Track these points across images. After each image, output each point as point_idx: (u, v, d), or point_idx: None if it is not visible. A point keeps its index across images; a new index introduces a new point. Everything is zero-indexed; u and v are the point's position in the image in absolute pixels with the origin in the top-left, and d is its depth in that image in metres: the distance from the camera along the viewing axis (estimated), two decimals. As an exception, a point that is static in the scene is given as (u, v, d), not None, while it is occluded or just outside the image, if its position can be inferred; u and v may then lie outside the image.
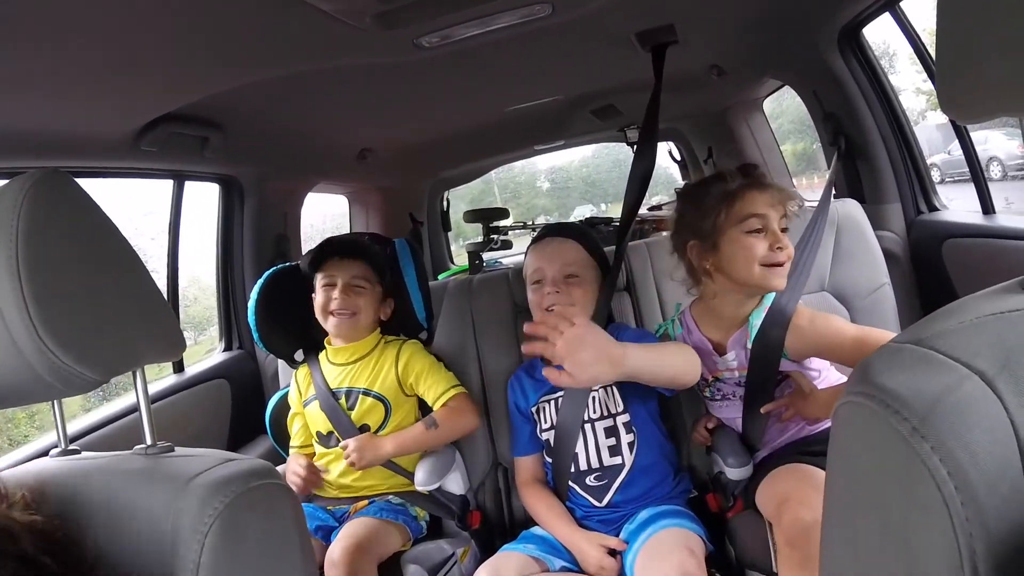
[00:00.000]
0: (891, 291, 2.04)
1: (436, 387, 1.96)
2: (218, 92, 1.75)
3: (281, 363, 2.36)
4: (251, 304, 2.06)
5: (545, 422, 1.87)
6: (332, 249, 2.02)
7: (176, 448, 1.03)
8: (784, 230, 1.62)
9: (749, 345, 1.68)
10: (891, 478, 0.57)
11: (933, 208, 2.49)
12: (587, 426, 1.81)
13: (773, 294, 1.67)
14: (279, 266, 2.21)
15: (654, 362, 1.57)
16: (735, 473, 1.69)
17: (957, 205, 2.49)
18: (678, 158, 4.83)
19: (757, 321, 1.67)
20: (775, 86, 3.53)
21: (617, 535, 1.72)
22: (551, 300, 1.82)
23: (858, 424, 0.62)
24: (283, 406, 2.17)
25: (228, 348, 2.82)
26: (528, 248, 2.00)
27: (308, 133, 2.51)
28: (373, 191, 4.15)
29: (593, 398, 1.82)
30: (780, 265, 1.60)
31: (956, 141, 2.34)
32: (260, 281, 2.10)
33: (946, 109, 0.68)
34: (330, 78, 1.88)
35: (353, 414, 1.95)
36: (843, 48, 2.44)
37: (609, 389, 1.83)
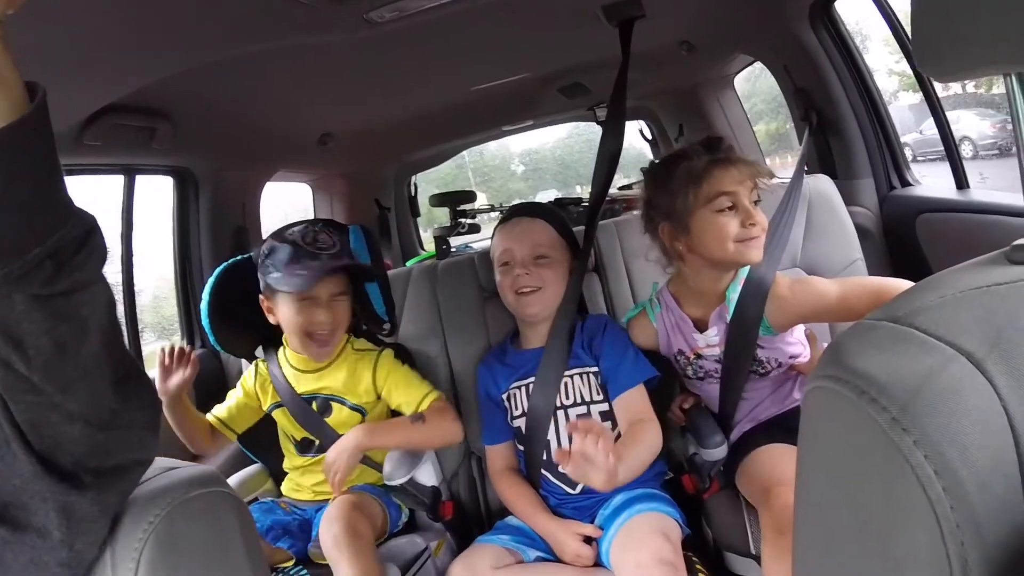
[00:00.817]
0: (864, 267, 2.02)
1: (412, 397, 1.86)
2: (163, 78, 1.67)
3: (246, 362, 2.29)
4: (203, 304, 1.97)
5: (516, 409, 1.83)
6: None
7: None
8: (756, 202, 1.59)
9: (728, 317, 1.66)
10: (869, 475, 0.51)
11: (906, 183, 2.47)
12: (560, 413, 1.78)
13: (748, 267, 1.64)
14: (231, 260, 2.11)
15: (635, 469, 1.59)
16: (710, 454, 1.66)
17: (928, 182, 2.48)
18: (649, 137, 4.80)
19: (734, 295, 1.65)
20: (746, 62, 3.50)
21: (592, 521, 1.70)
22: (522, 282, 1.79)
23: (830, 412, 0.56)
24: None
25: (190, 346, 2.71)
26: (495, 229, 1.96)
27: (263, 119, 2.43)
28: (336, 177, 4.07)
29: (566, 384, 1.78)
30: (754, 239, 1.56)
31: (927, 120, 2.33)
32: (211, 278, 2.00)
33: (922, 66, 0.63)
34: (283, 60, 1.81)
35: (328, 421, 1.89)
36: (814, 22, 2.42)
37: (586, 376, 1.80)
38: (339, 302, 1.85)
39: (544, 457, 1.77)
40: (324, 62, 1.94)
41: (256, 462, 2.14)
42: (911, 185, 2.47)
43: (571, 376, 1.79)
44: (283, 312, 1.83)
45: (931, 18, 0.59)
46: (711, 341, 1.70)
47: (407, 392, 1.87)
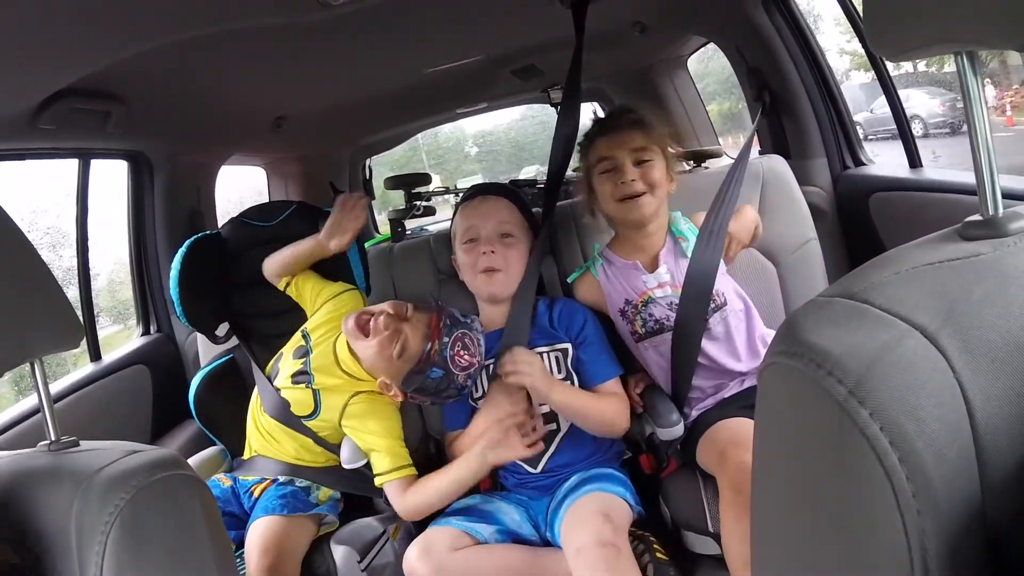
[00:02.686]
0: (818, 246, 2.03)
1: (381, 464, 1.82)
2: (118, 61, 1.63)
3: (202, 344, 2.30)
4: (173, 274, 1.98)
5: (478, 391, 1.83)
6: None
7: (82, 442, 0.98)
8: (644, 161, 1.75)
9: (689, 254, 1.76)
10: (825, 449, 0.52)
11: (859, 163, 2.50)
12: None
13: (679, 214, 1.87)
14: (200, 235, 2.13)
15: (579, 405, 1.71)
16: (666, 433, 1.67)
17: (881, 161, 2.52)
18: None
19: (684, 227, 1.84)
20: (699, 43, 3.52)
21: (551, 501, 1.70)
22: (487, 261, 1.80)
23: (786, 387, 0.56)
24: (208, 386, 2.10)
25: (146, 332, 2.70)
26: (458, 206, 1.97)
27: (218, 102, 2.39)
28: (291, 161, 4.03)
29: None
30: (634, 197, 1.74)
31: (878, 99, 2.36)
32: (182, 249, 2.02)
33: (874, 47, 0.63)
34: (237, 43, 1.77)
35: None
36: (767, 3, 2.43)
37: (554, 355, 1.81)
38: None
39: None
40: (278, 45, 1.91)
41: (214, 443, 2.12)
42: (864, 164, 2.50)
43: (539, 354, 1.79)
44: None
45: None
46: (663, 279, 1.77)
47: (381, 449, 1.84)
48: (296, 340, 1.98)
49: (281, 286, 2.01)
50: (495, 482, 1.87)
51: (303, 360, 1.90)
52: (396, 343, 1.70)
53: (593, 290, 1.87)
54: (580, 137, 1.94)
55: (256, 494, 1.86)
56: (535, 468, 1.76)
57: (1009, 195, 1.62)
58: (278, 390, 1.90)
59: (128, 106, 1.99)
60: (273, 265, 1.99)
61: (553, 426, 1.77)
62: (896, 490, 0.46)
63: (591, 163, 1.82)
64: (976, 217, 0.60)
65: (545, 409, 1.77)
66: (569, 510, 1.59)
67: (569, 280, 1.94)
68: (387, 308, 1.74)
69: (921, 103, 4.64)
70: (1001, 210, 0.60)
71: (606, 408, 1.72)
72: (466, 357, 1.68)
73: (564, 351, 1.80)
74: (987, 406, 0.47)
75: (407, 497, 1.74)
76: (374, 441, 1.81)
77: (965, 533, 0.46)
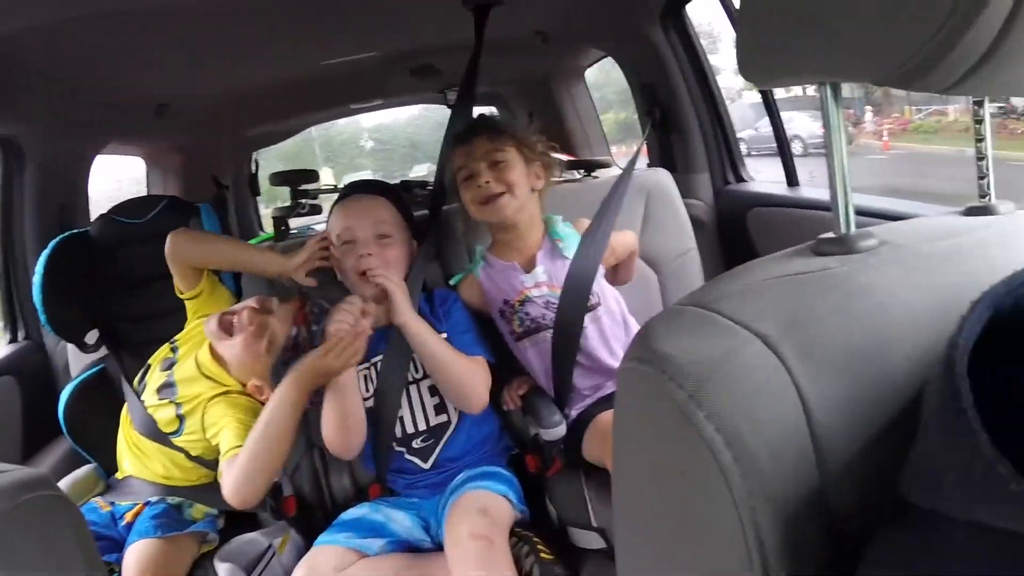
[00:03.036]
0: (697, 256, 2.13)
1: (226, 440, 1.72)
2: None
3: (72, 352, 2.16)
4: (36, 278, 1.86)
5: (367, 391, 1.79)
6: None
7: None
8: (498, 163, 1.80)
9: (567, 253, 1.82)
10: (669, 448, 0.55)
11: (740, 179, 2.63)
12: (412, 387, 1.78)
13: (559, 218, 1.92)
14: (68, 234, 2.01)
15: (435, 346, 1.69)
16: (549, 434, 1.70)
17: (762, 176, 2.64)
18: (498, 124, 4.81)
19: (563, 230, 1.89)
20: (598, 55, 3.58)
21: (442, 498, 1.70)
22: (367, 264, 1.74)
23: (637, 391, 0.59)
24: (79, 399, 1.98)
25: (13, 339, 2.47)
26: (333, 207, 1.90)
27: (96, 85, 2.26)
28: (173, 152, 3.84)
29: (415, 358, 1.78)
30: (490, 200, 1.79)
31: (764, 119, 2.48)
32: (46, 251, 1.90)
33: (744, 74, 0.67)
34: (118, 23, 1.70)
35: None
36: (665, 23, 2.51)
37: None
38: None
39: (399, 434, 1.77)
40: (164, 27, 1.84)
41: (89, 461, 2.00)
42: (744, 181, 2.63)
43: None
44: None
45: (753, 29, 0.64)
46: (539, 279, 1.82)
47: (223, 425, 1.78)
48: (164, 351, 1.89)
49: (194, 290, 1.90)
50: (384, 488, 1.84)
51: (168, 372, 1.82)
52: (263, 338, 1.65)
53: (475, 292, 1.90)
54: None
55: (128, 519, 1.77)
56: (425, 463, 1.77)
57: (867, 213, 1.75)
58: (144, 405, 1.82)
59: None
60: (204, 253, 1.89)
61: (444, 418, 1.78)
62: (731, 486, 0.49)
63: (455, 173, 1.87)
64: (830, 235, 0.66)
65: (436, 400, 1.79)
66: (450, 507, 1.60)
67: (452, 283, 1.94)
68: (251, 303, 1.69)
69: (803, 125, 4.89)
70: (853, 229, 0.65)
71: (465, 365, 1.71)
72: None
73: (444, 339, 1.79)
74: (824, 408, 0.51)
75: (225, 478, 1.57)
76: (223, 421, 1.70)
77: (805, 524, 0.50)
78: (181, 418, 1.77)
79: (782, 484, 0.49)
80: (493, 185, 1.78)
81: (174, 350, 1.87)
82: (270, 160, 5.19)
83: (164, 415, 1.79)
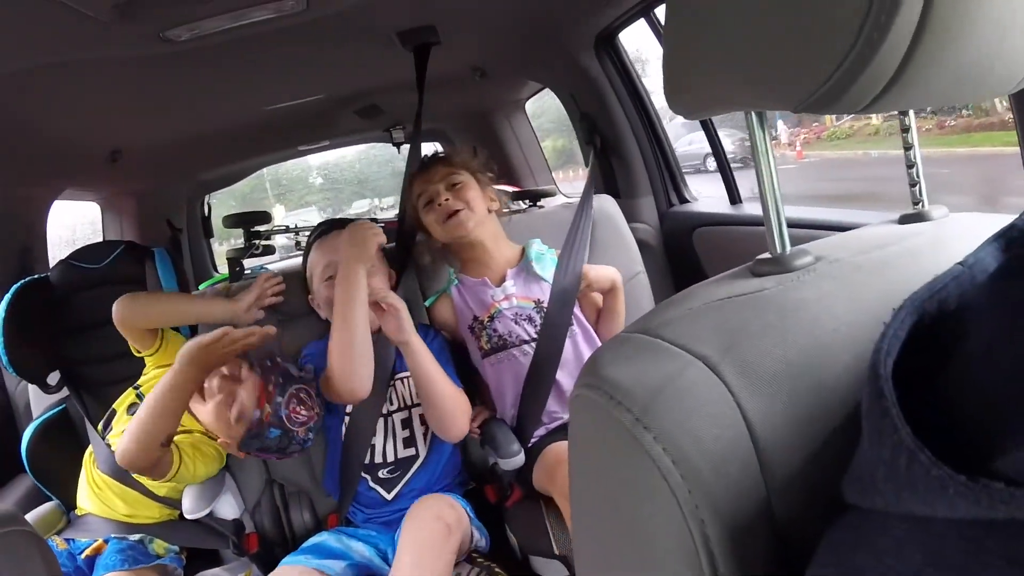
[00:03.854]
0: (646, 279, 2.16)
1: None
2: None
3: (34, 393, 2.17)
4: None
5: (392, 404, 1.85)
6: None
7: None
8: (454, 185, 1.91)
9: (544, 272, 1.92)
10: (619, 469, 0.57)
11: (684, 200, 2.68)
12: (387, 419, 1.81)
13: (539, 240, 2.01)
14: (28, 279, 2.03)
15: (427, 365, 1.69)
16: (508, 463, 1.72)
17: (705, 200, 2.70)
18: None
19: (538, 249, 1.98)
20: (537, 88, 3.63)
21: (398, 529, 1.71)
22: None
23: (588, 417, 0.62)
24: (41, 438, 1.99)
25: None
26: (311, 244, 1.95)
27: (50, 132, 2.25)
28: (127, 196, 3.83)
29: (392, 389, 1.82)
30: (453, 215, 1.87)
31: (685, 136, 2.54)
32: (7, 296, 1.92)
33: (671, 106, 0.70)
34: (71, 72, 1.71)
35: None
36: (599, 52, 2.56)
37: (407, 381, 1.83)
38: None
39: (367, 461, 1.78)
40: (116, 76, 1.86)
41: (50, 498, 2.01)
42: (688, 202, 2.68)
43: (400, 379, 1.84)
44: None
45: (677, 64, 0.67)
46: (508, 291, 1.89)
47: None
48: (129, 396, 1.92)
49: (151, 348, 1.93)
50: (341, 519, 1.85)
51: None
52: (233, 407, 1.65)
53: (448, 311, 1.95)
54: None
55: (87, 554, 1.78)
56: (388, 495, 1.78)
57: (803, 225, 1.81)
58: (110, 446, 1.83)
59: None
60: (151, 316, 1.92)
61: (412, 451, 1.81)
62: (680, 502, 0.52)
63: (415, 204, 1.95)
64: (766, 255, 0.69)
65: (406, 434, 1.81)
66: (414, 504, 1.65)
67: (426, 304, 1.99)
68: (222, 369, 1.69)
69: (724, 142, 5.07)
70: (788, 249, 0.68)
71: (452, 386, 1.74)
72: (303, 412, 1.65)
73: None
74: (765, 423, 0.54)
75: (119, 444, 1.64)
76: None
77: (751, 533, 0.52)
78: None
79: (728, 497, 0.52)
80: (452, 202, 1.87)
81: (140, 396, 1.88)
82: (223, 197, 5.14)
83: None
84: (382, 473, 1.79)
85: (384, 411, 1.81)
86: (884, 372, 0.42)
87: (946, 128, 3.26)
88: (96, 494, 1.85)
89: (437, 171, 1.93)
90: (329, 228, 1.94)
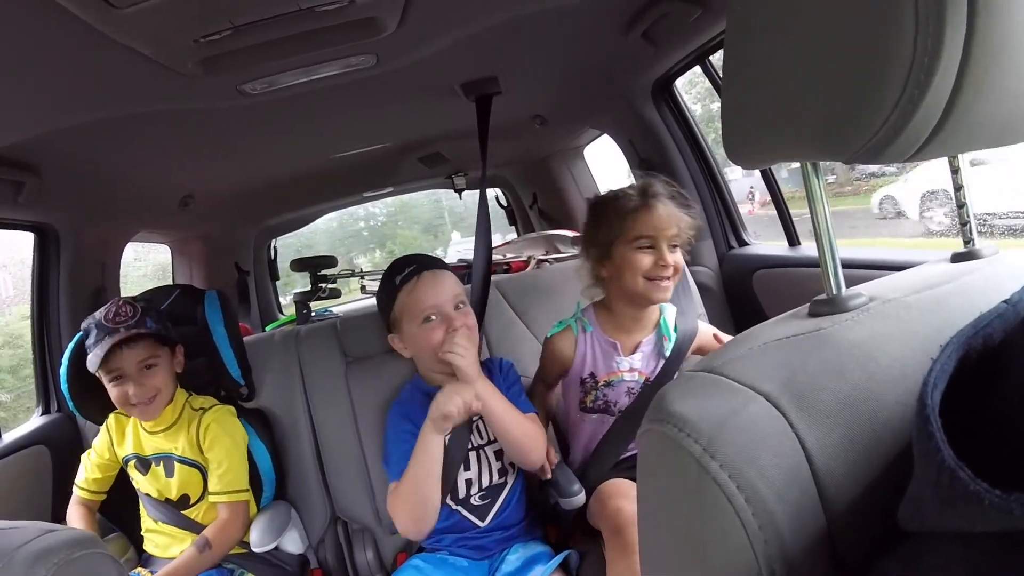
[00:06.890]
0: (707, 321, 2.16)
1: (219, 481, 1.84)
2: (36, 135, 1.65)
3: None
4: (63, 367, 1.91)
5: (482, 438, 1.84)
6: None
7: None
8: (674, 247, 1.73)
9: (667, 353, 1.82)
10: (688, 497, 0.61)
11: (743, 243, 2.69)
12: (476, 453, 1.80)
13: (668, 306, 1.86)
14: None
15: (503, 413, 1.68)
16: (570, 503, 1.70)
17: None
18: (504, 204, 4.96)
19: (669, 326, 1.85)
20: (596, 134, 3.68)
21: (492, 561, 1.74)
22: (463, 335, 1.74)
23: (657, 450, 0.65)
24: None
25: (46, 411, 2.56)
26: (401, 286, 1.81)
27: (127, 177, 2.38)
28: (196, 240, 3.98)
29: (478, 426, 1.80)
30: (663, 279, 1.71)
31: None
32: (72, 342, 1.96)
33: (731, 157, 0.74)
34: (151, 121, 1.81)
35: (172, 482, 1.85)
36: (656, 99, 2.61)
37: None
38: (152, 370, 1.81)
39: (461, 494, 1.78)
40: (192, 126, 1.95)
41: (114, 530, 2.05)
42: (747, 244, 2.68)
43: (478, 419, 1.79)
44: (110, 391, 1.80)
45: (737, 115, 0.72)
46: (635, 364, 1.82)
47: (220, 468, 1.85)
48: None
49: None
50: (409, 555, 1.85)
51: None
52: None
53: (568, 347, 1.86)
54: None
55: None
56: (483, 521, 1.78)
57: (859, 265, 1.81)
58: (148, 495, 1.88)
59: (41, 177, 1.97)
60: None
61: (503, 480, 1.80)
62: (745, 524, 0.56)
63: (629, 235, 1.73)
64: (822, 296, 0.72)
65: (499, 465, 1.81)
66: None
67: (548, 334, 1.91)
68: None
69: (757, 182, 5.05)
70: (843, 290, 0.71)
71: (526, 422, 1.72)
72: None
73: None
74: (823, 453, 0.58)
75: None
76: (221, 456, 1.83)
77: (811, 555, 0.56)
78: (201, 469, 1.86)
79: (788, 520, 0.56)
80: (670, 269, 1.72)
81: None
82: (283, 246, 5.29)
83: (163, 483, 1.87)
84: (475, 500, 1.78)
85: (473, 444, 1.80)
86: (931, 402, 0.45)
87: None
88: (158, 540, 1.90)
89: (671, 220, 1.72)
90: (420, 267, 1.83)
